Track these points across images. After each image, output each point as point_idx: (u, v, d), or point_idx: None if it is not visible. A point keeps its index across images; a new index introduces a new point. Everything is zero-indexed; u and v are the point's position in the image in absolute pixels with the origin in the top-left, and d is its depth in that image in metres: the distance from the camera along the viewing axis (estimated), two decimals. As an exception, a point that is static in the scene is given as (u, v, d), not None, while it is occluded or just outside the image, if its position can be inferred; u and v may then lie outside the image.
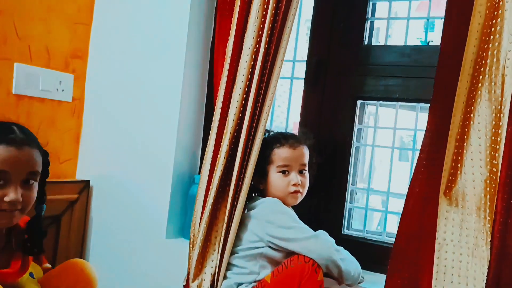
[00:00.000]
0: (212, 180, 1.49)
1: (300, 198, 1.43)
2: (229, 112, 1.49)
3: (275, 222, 1.34)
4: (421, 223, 1.23)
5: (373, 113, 1.69)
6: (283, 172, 1.41)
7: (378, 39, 1.68)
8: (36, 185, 1.19)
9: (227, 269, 1.43)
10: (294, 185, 1.40)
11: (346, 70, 1.63)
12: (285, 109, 2.01)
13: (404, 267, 1.26)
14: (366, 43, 1.63)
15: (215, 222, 1.50)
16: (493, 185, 1.09)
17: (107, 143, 1.89)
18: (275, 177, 1.41)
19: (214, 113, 1.54)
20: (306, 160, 1.44)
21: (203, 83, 1.80)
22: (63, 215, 1.82)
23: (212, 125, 1.54)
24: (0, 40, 1.63)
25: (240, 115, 1.46)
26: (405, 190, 1.30)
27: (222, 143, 1.48)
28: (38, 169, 1.18)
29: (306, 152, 1.44)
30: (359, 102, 1.63)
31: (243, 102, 1.46)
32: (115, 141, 1.87)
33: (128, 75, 1.85)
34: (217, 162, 1.49)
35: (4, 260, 1.20)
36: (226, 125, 1.48)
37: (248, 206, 1.45)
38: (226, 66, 1.52)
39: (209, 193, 1.49)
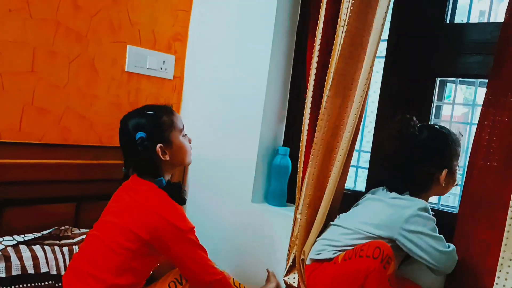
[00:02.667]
0: (311, 154, 1.57)
1: None
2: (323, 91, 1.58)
3: (420, 226, 1.30)
4: (483, 191, 1.28)
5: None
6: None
7: (461, 18, 1.69)
8: None
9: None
10: None
11: (425, 49, 1.67)
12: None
13: (469, 233, 1.32)
14: (448, 21, 1.66)
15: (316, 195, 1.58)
16: None
17: (203, 116, 2.11)
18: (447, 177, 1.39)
19: (307, 90, 1.66)
20: None
21: (288, 67, 1.94)
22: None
23: (306, 102, 1.66)
24: (116, 26, 1.90)
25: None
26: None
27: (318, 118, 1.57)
28: None
29: None
30: (438, 79, 1.67)
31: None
32: (209, 115, 2.09)
33: (222, 56, 2.05)
34: (315, 138, 1.56)
35: None
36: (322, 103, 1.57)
37: (393, 195, 1.42)
38: (317, 47, 1.62)
39: (308, 166, 1.57)
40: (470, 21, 1.66)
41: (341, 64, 1.50)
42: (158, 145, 1.43)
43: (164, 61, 2.07)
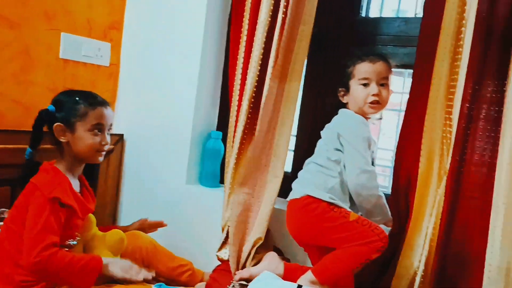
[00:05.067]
0: (235, 134, 1.76)
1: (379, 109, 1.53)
2: (247, 76, 1.72)
3: (352, 135, 1.47)
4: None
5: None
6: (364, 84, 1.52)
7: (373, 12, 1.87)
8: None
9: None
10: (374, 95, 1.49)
11: (343, 40, 1.83)
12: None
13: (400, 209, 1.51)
14: (363, 15, 1.83)
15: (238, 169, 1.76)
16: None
17: (139, 102, 2.19)
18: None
19: (235, 77, 1.79)
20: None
21: (221, 55, 2.05)
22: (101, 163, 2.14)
23: (234, 88, 1.80)
24: (50, 14, 1.94)
25: (257, 78, 1.70)
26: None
27: (242, 103, 1.74)
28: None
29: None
30: (354, 68, 1.83)
31: (259, 67, 1.69)
32: (145, 101, 2.17)
33: (156, 44, 2.13)
34: (239, 118, 1.74)
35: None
36: (245, 86, 1.72)
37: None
38: (244, 38, 1.74)
39: (234, 145, 1.76)
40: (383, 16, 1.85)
41: (280, 55, 1.65)
42: (56, 124, 1.50)
43: (99, 49, 2.13)
